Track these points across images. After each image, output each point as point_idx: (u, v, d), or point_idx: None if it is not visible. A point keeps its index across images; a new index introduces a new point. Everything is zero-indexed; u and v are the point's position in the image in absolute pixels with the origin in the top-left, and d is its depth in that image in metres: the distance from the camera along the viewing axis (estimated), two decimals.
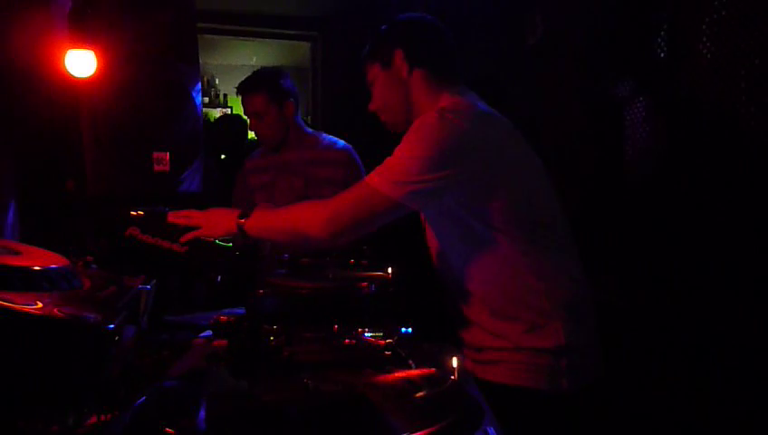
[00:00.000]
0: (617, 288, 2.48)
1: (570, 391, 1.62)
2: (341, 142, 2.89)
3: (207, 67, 6.99)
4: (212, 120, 7.01)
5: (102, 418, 1.04)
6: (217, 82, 7.33)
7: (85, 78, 2.01)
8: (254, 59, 6.94)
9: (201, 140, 2.50)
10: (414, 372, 1.20)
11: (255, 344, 1.39)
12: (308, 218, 1.66)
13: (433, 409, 1.00)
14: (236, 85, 2.86)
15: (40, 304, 0.95)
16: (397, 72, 1.80)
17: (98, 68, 2.04)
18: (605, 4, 2.66)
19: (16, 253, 1.17)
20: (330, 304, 1.60)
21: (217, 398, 1.11)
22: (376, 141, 2.10)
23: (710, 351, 2.02)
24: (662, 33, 2.29)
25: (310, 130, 2.93)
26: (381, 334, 1.45)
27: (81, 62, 1.99)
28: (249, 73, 2.88)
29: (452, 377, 1.12)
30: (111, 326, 0.98)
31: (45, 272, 1.10)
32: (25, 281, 1.04)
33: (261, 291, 1.64)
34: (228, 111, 7.20)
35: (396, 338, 1.42)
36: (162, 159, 2.25)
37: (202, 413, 0.97)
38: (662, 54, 2.29)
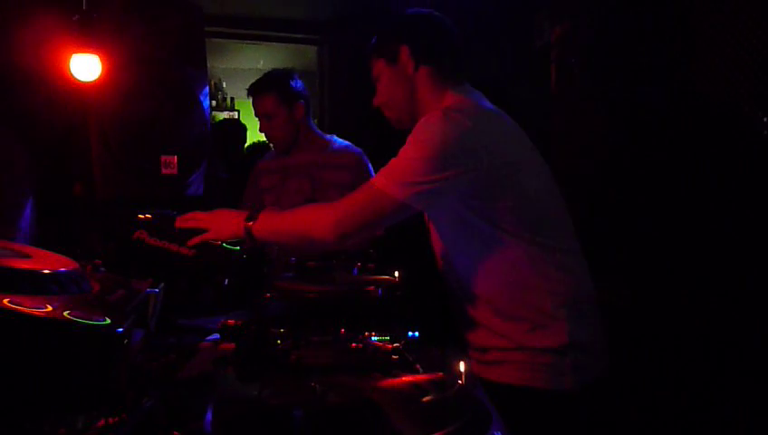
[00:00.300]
0: (621, 287, 2.47)
1: (574, 389, 1.62)
2: (352, 147, 2.88)
3: (215, 70, 7.01)
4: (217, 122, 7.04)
5: (110, 421, 1.04)
6: (225, 85, 7.35)
7: (90, 82, 2.02)
8: (262, 62, 6.96)
9: (209, 144, 2.51)
10: (421, 377, 1.20)
11: (263, 348, 1.39)
12: (315, 221, 1.66)
13: (440, 413, 1.00)
14: (247, 87, 2.86)
15: (49, 308, 0.95)
16: (402, 68, 1.79)
17: (105, 72, 2.05)
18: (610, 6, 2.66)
19: (26, 256, 1.18)
20: (337, 307, 1.60)
21: (224, 402, 1.11)
22: (382, 144, 2.10)
23: (714, 350, 2.02)
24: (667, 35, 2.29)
25: (321, 132, 2.93)
26: (388, 338, 1.45)
27: (85, 67, 2.00)
28: (256, 77, 2.89)
29: (459, 381, 1.12)
30: (120, 330, 0.99)
31: (55, 275, 1.11)
32: (35, 284, 1.05)
33: (268, 294, 1.64)
34: (235, 114, 7.22)
35: (403, 342, 1.42)
36: (170, 163, 2.26)
37: (209, 417, 0.98)
38: (667, 57, 2.29)
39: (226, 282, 1.84)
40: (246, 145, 5.18)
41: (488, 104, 1.75)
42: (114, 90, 2.14)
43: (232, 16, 5.23)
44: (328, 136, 2.93)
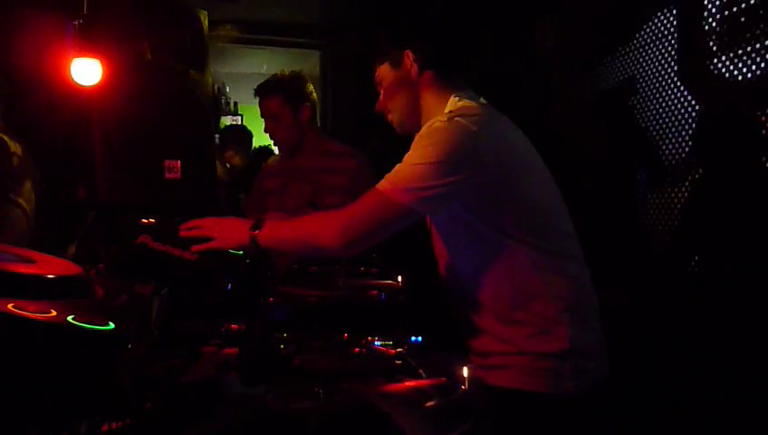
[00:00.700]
0: (622, 291, 2.47)
1: (575, 394, 1.61)
2: (353, 152, 2.89)
3: (218, 75, 7.03)
4: (222, 127, 7.05)
5: (113, 425, 1.04)
6: (228, 89, 7.36)
7: (91, 86, 2.02)
8: (265, 67, 6.98)
9: (212, 148, 2.51)
10: (424, 382, 1.20)
11: (266, 353, 1.39)
12: (320, 229, 1.65)
13: (443, 418, 1.00)
14: (253, 90, 2.88)
15: (53, 312, 0.95)
16: (406, 72, 1.80)
17: (108, 76, 2.05)
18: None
19: (30, 261, 1.18)
20: (340, 312, 1.60)
21: (228, 406, 1.12)
22: (386, 149, 2.11)
23: (717, 355, 2.01)
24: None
25: (326, 137, 2.95)
26: (392, 343, 1.45)
27: (86, 71, 2.00)
28: (259, 81, 2.90)
29: (462, 386, 1.12)
30: (124, 334, 0.99)
31: (59, 280, 1.11)
32: (39, 289, 1.05)
33: (271, 299, 1.64)
34: (239, 118, 7.23)
35: (406, 347, 1.42)
36: (173, 167, 2.26)
37: (213, 421, 0.98)
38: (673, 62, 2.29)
39: (230, 286, 1.84)
40: (252, 148, 5.20)
41: (492, 109, 1.75)
42: (117, 94, 2.14)
43: (235, 21, 5.25)
44: (331, 140, 2.94)
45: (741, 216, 1.97)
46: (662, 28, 2.32)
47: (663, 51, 2.32)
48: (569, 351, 1.61)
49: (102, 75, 2.02)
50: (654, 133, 2.38)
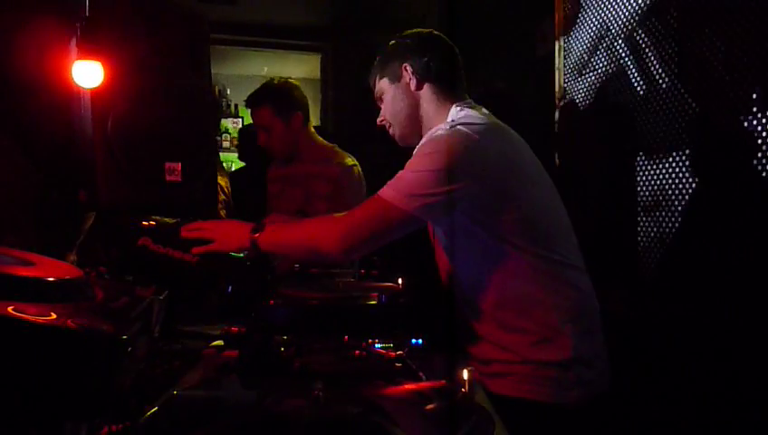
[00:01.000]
0: (626, 300, 2.47)
1: (577, 403, 1.61)
2: (338, 158, 2.86)
3: (219, 77, 7.03)
4: (223, 129, 7.05)
5: (114, 428, 1.04)
6: (229, 92, 7.37)
7: (92, 89, 2.02)
8: (265, 69, 6.98)
9: (214, 151, 2.51)
10: (424, 384, 1.20)
11: (266, 355, 1.39)
12: (321, 234, 1.66)
13: (443, 421, 1.00)
14: (244, 100, 2.87)
15: (53, 315, 0.95)
16: (405, 86, 1.82)
17: (109, 78, 2.05)
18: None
19: (30, 264, 1.18)
20: (340, 315, 1.60)
21: (228, 409, 1.11)
22: (387, 153, 2.11)
23: (720, 363, 2.01)
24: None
25: (322, 142, 2.93)
26: (392, 346, 1.45)
27: (87, 73, 2.00)
28: (261, 84, 2.89)
29: (462, 389, 1.12)
30: (124, 337, 0.99)
31: (59, 283, 1.11)
32: (39, 292, 1.05)
33: (272, 301, 1.64)
34: (239, 121, 7.23)
35: (406, 349, 1.42)
36: (174, 170, 2.26)
37: (213, 424, 0.98)
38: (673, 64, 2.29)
39: (230, 289, 1.84)
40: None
41: (493, 118, 1.75)
42: (118, 97, 2.14)
43: (236, 23, 5.26)
44: (327, 146, 2.92)
45: (740, 220, 1.97)
46: (662, 29, 2.33)
47: (663, 51, 2.33)
48: (572, 360, 1.61)
49: (103, 77, 2.02)
50: (654, 136, 2.38)
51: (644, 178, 2.44)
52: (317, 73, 6.06)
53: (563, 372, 1.61)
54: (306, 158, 2.83)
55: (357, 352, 1.43)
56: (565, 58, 3.11)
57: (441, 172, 1.56)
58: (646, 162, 2.44)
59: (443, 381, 1.17)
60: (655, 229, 2.38)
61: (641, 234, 2.46)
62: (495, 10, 3.72)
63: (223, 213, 3.30)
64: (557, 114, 3.14)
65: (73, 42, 2.03)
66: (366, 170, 2.94)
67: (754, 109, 1.90)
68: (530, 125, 1.94)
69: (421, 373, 1.31)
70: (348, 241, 1.60)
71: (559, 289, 1.65)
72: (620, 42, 2.61)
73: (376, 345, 1.46)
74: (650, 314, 2.37)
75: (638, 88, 2.49)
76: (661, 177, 2.33)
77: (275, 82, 2.86)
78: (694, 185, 2.18)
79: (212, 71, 2.50)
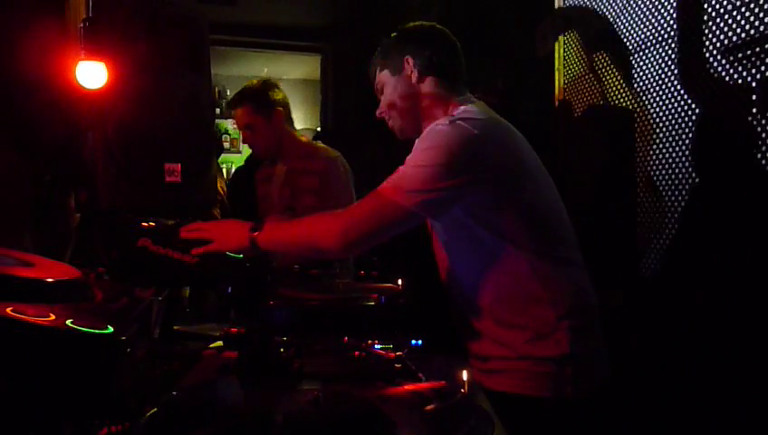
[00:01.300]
0: (626, 300, 2.47)
1: (575, 398, 1.61)
2: (321, 152, 2.91)
3: (219, 78, 7.04)
4: (222, 130, 7.05)
5: (113, 429, 1.04)
6: (229, 93, 7.37)
7: (96, 89, 2.02)
8: (265, 70, 6.98)
9: (213, 152, 2.51)
10: (424, 385, 1.20)
11: (266, 356, 1.39)
12: (321, 231, 1.65)
13: (443, 422, 1.00)
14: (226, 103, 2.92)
15: (52, 316, 0.95)
16: (406, 78, 1.81)
17: (109, 79, 2.05)
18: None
19: (29, 265, 1.18)
20: (340, 315, 1.60)
21: (228, 410, 1.11)
22: (386, 152, 2.11)
23: (717, 359, 2.01)
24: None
25: (304, 139, 2.98)
26: (391, 347, 1.45)
27: (92, 74, 2.01)
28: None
29: (462, 390, 1.12)
30: (123, 338, 0.99)
31: (58, 284, 1.11)
32: (38, 293, 1.05)
33: (271, 302, 1.64)
34: None
35: (406, 350, 1.43)
36: (173, 171, 2.26)
37: (212, 425, 0.98)
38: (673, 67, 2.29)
39: (230, 290, 1.84)
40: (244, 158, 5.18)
41: (493, 114, 1.75)
42: (117, 97, 2.14)
43: (236, 24, 5.26)
44: (308, 143, 2.97)
45: (740, 220, 1.97)
46: (661, 31, 2.33)
47: (663, 53, 2.33)
48: (569, 356, 1.61)
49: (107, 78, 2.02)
50: (654, 136, 2.38)
51: (644, 177, 2.45)
52: (317, 74, 6.06)
53: (560, 368, 1.61)
54: (290, 155, 2.86)
55: (356, 352, 1.43)
56: (565, 58, 3.12)
57: (440, 168, 1.56)
58: (646, 162, 2.44)
59: (442, 382, 1.17)
60: (655, 229, 2.38)
61: (641, 234, 2.46)
62: (495, 10, 3.72)
63: (217, 212, 3.31)
64: (557, 114, 3.14)
65: (75, 44, 2.03)
66: (366, 170, 2.94)
67: (754, 109, 1.90)
68: (530, 125, 1.94)
69: (420, 374, 1.31)
70: (348, 237, 1.60)
71: (557, 285, 1.65)
72: (620, 42, 2.61)
73: (375, 346, 1.46)
74: (650, 314, 2.37)
75: (638, 88, 2.49)
76: (661, 177, 2.34)
77: (254, 82, 2.91)
78: (694, 185, 2.18)
79: (212, 71, 2.50)
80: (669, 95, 2.31)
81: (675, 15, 2.28)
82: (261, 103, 2.80)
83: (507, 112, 1.82)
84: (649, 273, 2.41)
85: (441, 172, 1.56)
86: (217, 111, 7.05)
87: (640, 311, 2.42)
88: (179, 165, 2.25)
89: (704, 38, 2.11)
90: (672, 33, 2.29)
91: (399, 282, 1.80)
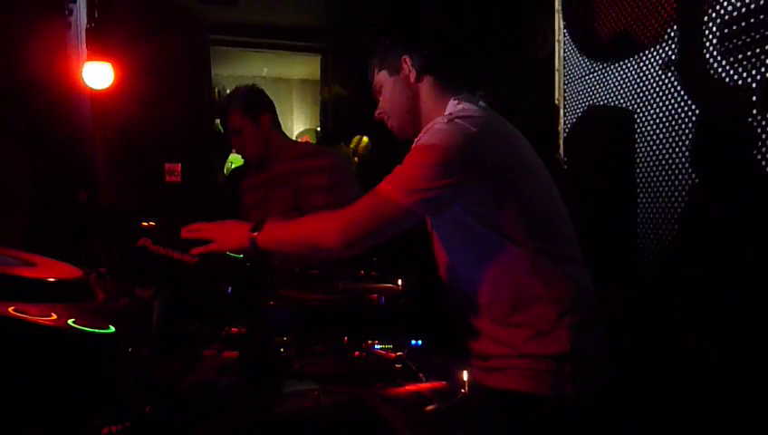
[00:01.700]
0: (624, 296, 2.48)
1: (575, 396, 1.61)
2: (323, 149, 2.93)
3: (219, 78, 7.04)
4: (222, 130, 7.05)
5: (114, 428, 1.05)
6: (228, 93, 7.38)
7: (100, 90, 2.03)
8: (265, 70, 6.99)
9: (213, 151, 2.52)
10: (424, 385, 1.20)
11: (266, 356, 1.39)
12: (321, 230, 1.65)
13: (443, 422, 1.00)
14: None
15: (54, 316, 0.96)
16: (404, 78, 1.81)
17: (113, 80, 2.06)
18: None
19: (31, 264, 1.18)
20: (340, 315, 1.60)
21: (228, 409, 1.12)
22: (385, 152, 2.11)
23: (716, 359, 2.02)
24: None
25: (292, 140, 2.99)
26: (391, 347, 1.45)
27: (98, 75, 2.01)
28: (261, 85, 2.93)
29: (462, 390, 1.12)
30: (124, 338, 0.99)
31: (60, 283, 1.11)
32: (40, 292, 1.05)
33: (272, 302, 1.64)
34: None
35: (406, 350, 1.43)
36: (174, 170, 2.26)
37: (213, 424, 0.98)
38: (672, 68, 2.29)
39: (230, 290, 1.84)
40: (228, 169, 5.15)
41: (492, 112, 1.75)
42: (119, 98, 2.15)
43: (236, 24, 5.26)
44: (298, 143, 2.99)
45: (739, 220, 1.97)
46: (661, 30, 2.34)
47: (663, 53, 2.33)
48: (569, 354, 1.61)
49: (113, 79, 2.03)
50: (654, 136, 2.39)
51: (644, 178, 2.45)
52: (317, 74, 6.07)
53: (560, 366, 1.61)
54: (283, 157, 2.84)
55: (357, 353, 1.43)
56: (565, 59, 3.12)
57: (439, 166, 1.56)
58: (646, 162, 2.44)
59: (443, 382, 1.17)
60: (654, 229, 2.38)
61: (641, 234, 2.47)
62: (496, 12, 3.73)
63: None
64: (557, 115, 3.14)
65: (77, 47, 2.04)
66: (365, 170, 2.94)
67: (754, 110, 1.90)
68: (530, 125, 1.94)
69: (421, 374, 1.31)
70: (348, 236, 1.60)
71: (557, 283, 1.65)
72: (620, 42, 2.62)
73: (375, 346, 1.46)
74: (650, 314, 2.37)
75: (638, 89, 2.50)
76: (661, 177, 2.34)
77: (241, 87, 2.92)
78: (694, 185, 2.18)
79: (212, 71, 2.51)
80: (669, 95, 2.31)
81: (675, 15, 2.28)
82: (248, 107, 2.80)
83: (507, 112, 1.82)
84: (649, 273, 2.41)
85: (440, 170, 1.56)
86: None
87: (640, 311, 2.42)
88: (179, 165, 2.26)
89: (704, 38, 2.11)
90: (672, 33, 2.30)
91: (399, 282, 1.80)
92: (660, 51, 2.36)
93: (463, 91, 1.81)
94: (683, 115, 2.24)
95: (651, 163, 2.41)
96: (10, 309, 0.92)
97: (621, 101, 2.62)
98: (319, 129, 6.04)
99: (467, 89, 1.85)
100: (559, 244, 1.69)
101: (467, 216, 1.64)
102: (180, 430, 1.08)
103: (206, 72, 2.51)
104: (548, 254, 1.65)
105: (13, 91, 2.16)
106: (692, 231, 2.19)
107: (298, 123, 7.90)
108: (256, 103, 2.82)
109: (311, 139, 6.13)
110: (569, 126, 3.10)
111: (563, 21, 3.12)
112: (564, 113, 3.12)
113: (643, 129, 2.46)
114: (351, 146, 4.53)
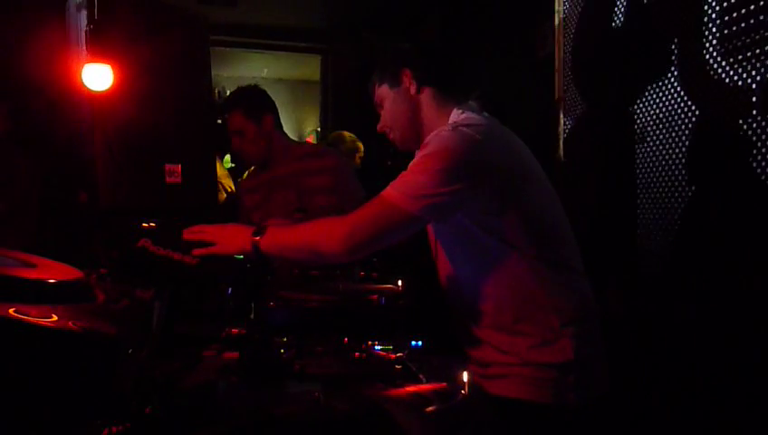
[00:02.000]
0: (624, 298, 2.48)
1: (577, 404, 1.61)
2: (325, 149, 2.96)
3: (219, 79, 7.04)
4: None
5: (114, 429, 1.05)
6: (229, 93, 7.38)
7: (102, 92, 2.03)
8: (266, 71, 6.99)
9: (213, 152, 2.51)
10: (424, 386, 1.20)
11: (266, 357, 1.39)
12: (324, 235, 1.65)
13: (443, 423, 1.00)
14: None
15: (54, 317, 0.96)
16: (405, 91, 1.82)
17: (112, 81, 2.06)
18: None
19: (31, 265, 1.18)
20: (340, 316, 1.60)
21: (228, 411, 1.12)
22: (386, 153, 2.11)
23: (718, 362, 2.01)
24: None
25: (294, 141, 2.97)
26: (392, 348, 1.45)
27: (97, 76, 2.01)
28: (261, 85, 2.91)
29: (462, 391, 1.12)
30: (124, 339, 0.99)
31: (60, 285, 1.11)
32: (40, 294, 1.05)
33: (272, 303, 1.64)
34: None
35: (406, 351, 1.43)
36: (174, 171, 2.26)
37: (213, 426, 0.98)
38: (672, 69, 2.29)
39: (230, 291, 1.84)
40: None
41: (495, 120, 1.76)
42: (119, 99, 2.14)
43: (236, 25, 5.26)
44: (300, 143, 2.98)
45: (740, 221, 1.97)
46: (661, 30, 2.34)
47: (663, 53, 2.33)
48: (573, 363, 1.61)
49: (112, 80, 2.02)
50: (653, 137, 2.39)
51: (643, 178, 2.45)
52: (317, 75, 6.07)
53: (563, 375, 1.61)
54: (284, 158, 2.82)
55: (357, 354, 1.43)
56: (565, 60, 3.12)
57: (444, 173, 1.56)
58: (645, 163, 2.44)
59: (443, 383, 1.17)
60: (654, 230, 2.38)
61: (641, 235, 2.47)
62: (495, 12, 3.73)
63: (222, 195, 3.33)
64: (557, 115, 3.15)
65: (77, 47, 2.04)
66: (365, 171, 2.94)
67: (754, 111, 1.91)
68: (530, 125, 1.94)
69: (421, 375, 1.31)
70: (351, 242, 1.60)
71: (560, 292, 1.65)
72: (620, 42, 2.62)
73: (376, 347, 1.46)
74: (649, 314, 2.37)
75: (638, 89, 2.50)
76: (661, 178, 2.34)
77: (244, 87, 2.90)
78: (694, 185, 2.18)
79: (212, 72, 2.51)
80: (669, 95, 2.31)
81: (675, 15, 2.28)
82: (251, 108, 2.78)
83: (506, 113, 1.83)
84: (649, 275, 2.41)
85: (444, 177, 1.56)
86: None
87: (640, 313, 2.42)
88: (180, 165, 2.26)
89: (704, 39, 2.12)
90: (672, 34, 2.30)
91: (399, 283, 1.80)
92: (660, 51, 2.36)
93: (464, 100, 1.82)
94: (683, 115, 2.24)
95: (651, 163, 2.41)
96: (10, 310, 0.92)
97: (621, 101, 2.62)
98: (319, 129, 6.04)
99: (469, 98, 1.85)
100: (561, 252, 1.70)
101: (471, 222, 1.65)
102: (180, 431, 1.08)
103: (206, 72, 2.51)
104: (550, 262, 1.66)
105: (13, 93, 2.16)
106: (692, 232, 2.19)
107: (298, 124, 7.90)
108: (259, 104, 2.80)
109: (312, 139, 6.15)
110: (569, 126, 3.10)
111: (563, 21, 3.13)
112: (564, 113, 3.12)
113: (643, 129, 2.46)
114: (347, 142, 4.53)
